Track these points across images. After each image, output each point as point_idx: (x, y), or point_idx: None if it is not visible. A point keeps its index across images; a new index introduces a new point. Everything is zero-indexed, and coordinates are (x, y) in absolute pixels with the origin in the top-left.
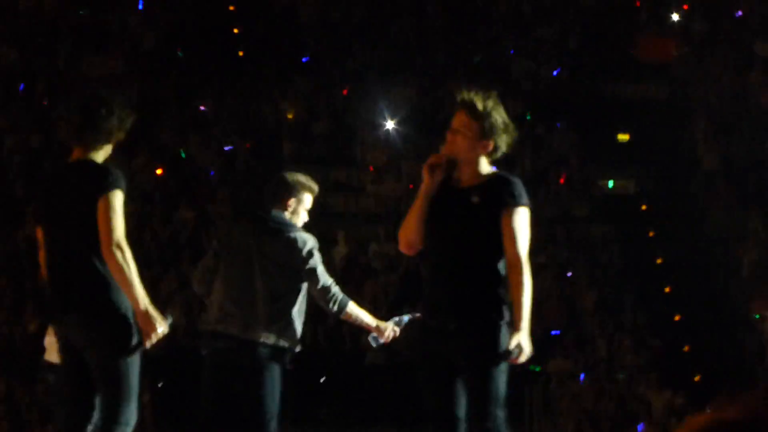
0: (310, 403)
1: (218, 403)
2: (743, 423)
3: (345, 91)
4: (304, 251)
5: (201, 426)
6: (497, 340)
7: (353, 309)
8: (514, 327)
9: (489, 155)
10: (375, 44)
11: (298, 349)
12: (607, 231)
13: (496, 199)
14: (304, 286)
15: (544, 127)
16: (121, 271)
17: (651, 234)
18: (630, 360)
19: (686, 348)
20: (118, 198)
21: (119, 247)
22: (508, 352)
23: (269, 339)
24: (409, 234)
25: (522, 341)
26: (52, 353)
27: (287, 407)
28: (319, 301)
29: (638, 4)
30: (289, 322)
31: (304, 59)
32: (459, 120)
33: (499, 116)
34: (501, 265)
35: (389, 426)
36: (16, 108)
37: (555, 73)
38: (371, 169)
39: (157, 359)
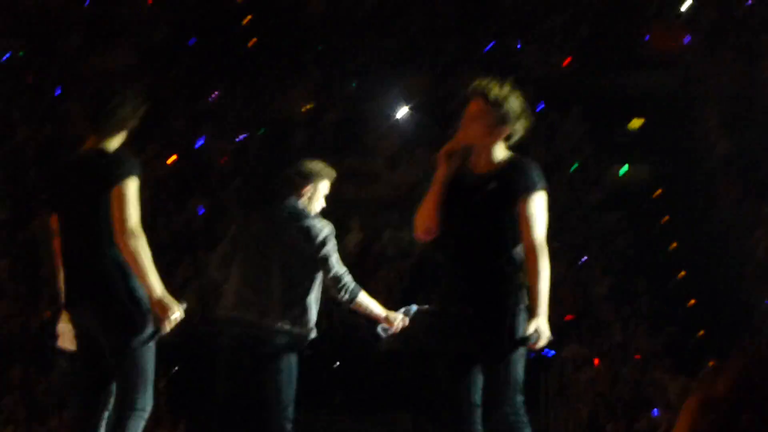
0: (324, 389)
1: (234, 390)
2: (731, 398)
3: (359, 80)
4: (319, 239)
5: (217, 413)
6: (515, 326)
7: (364, 299)
8: (532, 312)
9: (505, 141)
10: (386, 33)
11: (313, 335)
12: (620, 218)
13: (513, 184)
14: (320, 273)
15: (556, 116)
16: (135, 258)
17: (664, 220)
18: (645, 345)
19: (701, 333)
20: (132, 186)
21: (134, 234)
22: (526, 338)
23: (285, 325)
24: (425, 221)
25: (540, 326)
26: (65, 340)
27: (301, 393)
28: (330, 289)
29: None
30: (305, 308)
31: (315, 48)
32: (474, 107)
33: (515, 102)
34: (518, 250)
35: (404, 412)
36: (28, 99)
37: (566, 61)
38: (384, 156)
39: (172, 346)
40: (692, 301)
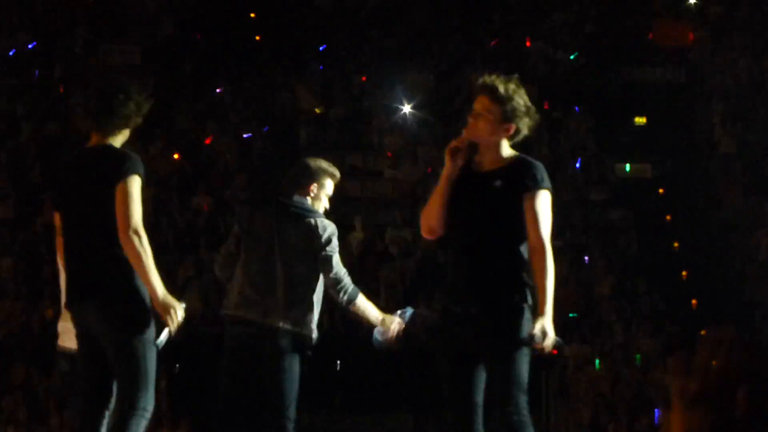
0: (325, 389)
1: (237, 389)
2: (707, 395)
3: (363, 78)
4: (323, 237)
5: (218, 412)
6: (520, 325)
7: (362, 302)
8: (537, 311)
9: (510, 139)
10: (391, 30)
11: (316, 335)
12: (624, 216)
13: (518, 182)
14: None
15: (561, 112)
16: (137, 256)
17: (668, 218)
18: (647, 345)
19: (703, 333)
20: (135, 183)
21: (136, 232)
22: (531, 337)
23: (288, 325)
24: (431, 219)
25: (546, 326)
26: (65, 339)
27: (302, 393)
28: (329, 289)
29: None
30: (309, 308)
31: (320, 46)
32: (481, 104)
33: (521, 99)
34: (523, 249)
35: (405, 412)
36: (33, 95)
37: (572, 57)
38: (388, 154)
39: (173, 345)
40: (694, 301)
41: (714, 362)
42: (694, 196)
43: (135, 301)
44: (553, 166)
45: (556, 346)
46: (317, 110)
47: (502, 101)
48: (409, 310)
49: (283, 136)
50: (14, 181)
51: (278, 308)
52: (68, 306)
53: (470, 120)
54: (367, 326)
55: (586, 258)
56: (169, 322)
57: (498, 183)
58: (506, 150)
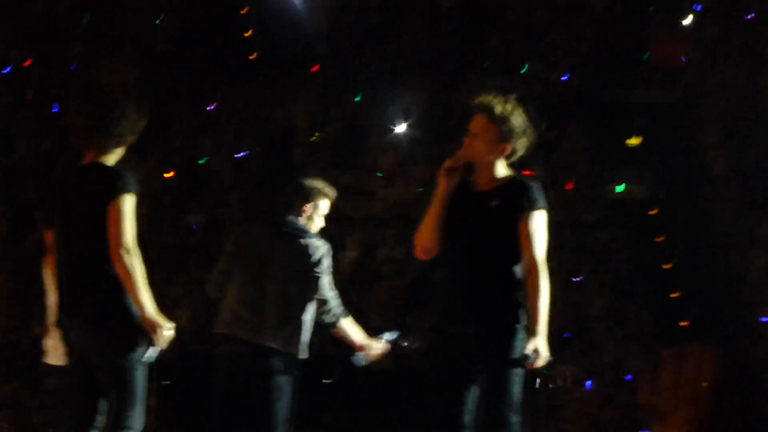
0: (314, 408)
1: (228, 408)
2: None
3: (358, 97)
4: (315, 257)
5: (211, 430)
6: (514, 345)
7: (346, 325)
8: (531, 331)
9: (506, 158)
10: (386, 48)
11: (305, 355)
12: (616, 236)
13: (514, 202)
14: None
15: (554, 131)
16: (128, 275)
17: (660, 239)
18: (637, 366)
19: (692, 350)
20: (129, 202)
21: (128, 251)
22: (525, 357)
23: (279, 344)
24: (425, 239)
25: (539, 346)
26: (52, 356)
27: (292, 412)
28: (316, 308)
29: (650, 8)
30: (300, 327)
31: (315, 63)
32: (477, 123)
33: (518, 119)
34: (518, 269)
35: None
36: (27, 112)
37: (565, 77)
38: (381, 173)
39: (163, 363)
40: (685, 323)
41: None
42: (687, 216)
43: (125, 319)
44: (545, 185)
45: (547, 366)
46: (314, 137)
47: (499, 121)
48: (392, 334)
49: (277, 154)
50: (7, 198)
51: (269, 327)
52: (58, 323)
53: (466, 139)
54: (351, 348)
55: (577, 278)
56: (157, 340)
57: (493, 203)
58: (502, 170)
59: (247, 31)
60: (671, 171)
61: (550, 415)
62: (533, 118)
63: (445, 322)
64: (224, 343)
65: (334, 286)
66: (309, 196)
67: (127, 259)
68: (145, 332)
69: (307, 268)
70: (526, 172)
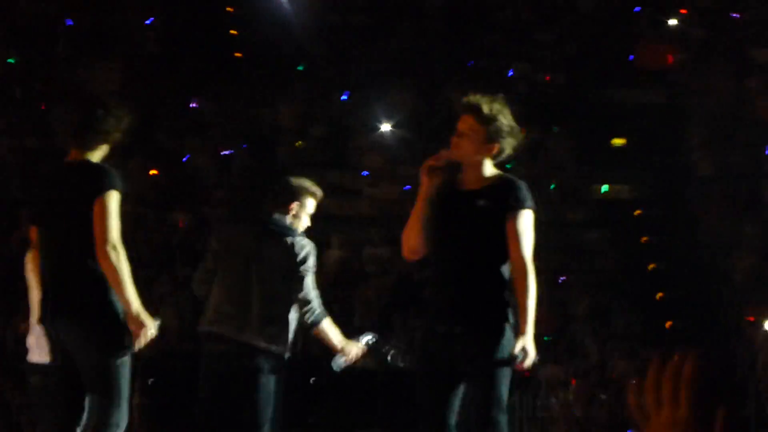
0: (299, 408)
1: (213, 406)
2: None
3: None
4: (300, 256)
5: (195, 428)
6: (502, 344)
7: (326, 326)
8: (518, 331)
9: (494, 158)
10: (373, 48)
11: (287, 355)
12: (601, 236)
13: (501, 202)
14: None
15: (540, 132)
16: (113, 272)
17: (644, 240)
18: (622, 367)
19: (677, 355)
20: (114, 199)
21: (114, 248)
22: (513, 357)
23: (263, 342)
24: (412, 239)
25: (527, 345)
26: (35, 354)
27: (276, 411)
28: (297, 307)
29: (637, 10)
30: (284, 326)
31: (301, 63)
32: (465, 123)
33: (505, 119)
34: (505, 269)
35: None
36: (13, 110)
37: (551, 77)
38: (367, 172)
39: (148, 361)
40: (669, 323)
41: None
42: (672, 217)
43: (109, 317)
44: (531, 185)
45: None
46: (298, 143)
47: (487, 121)
48: (370, 337)
49: (263, 153)
50: None
51: (253, 325)
52: (42, 321)
53: (454, 139)
54: (330, 350)
55: (562, 278)
56: (140, 338)
57: (481, 202)
58: (489, 169)
59: (233, 31)
60: (656, 172)
61: (534, 415)
62: (520, 118)
63: (433, 321)
64: (209, 341)
65: (316, 286)
66: (296, 194)
67: (113, 255)
68: (129, 330)
69: (293, 266)
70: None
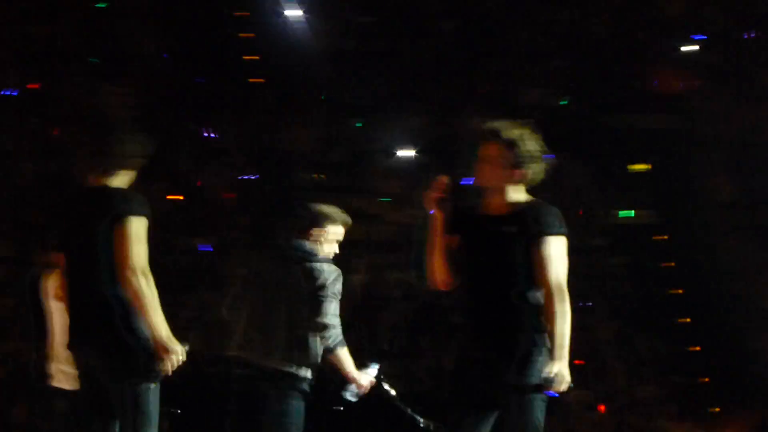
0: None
1: (240, 430)
2: None
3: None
4: (319, 281)
5: None
6: (535, 369)
7: (342, 355)
8: (551, 356)
9: (520, 183)
10: (388, 73)
11: (314, 378)
12: (623, 262)
13: (529, 227)
14: None
15: (559, 159)
16: (139, 297)
17: (669, 265)
18: (649, 391)
19: (705, 380)
20: (134, 224)
21: (139, 272)
22: (546, 381)
23: (289, 367)
24: (436, 272)
25: (560, 370)
26: (58, 380)
27: None
28: (315, 332)
29: (653, 35)
30: (310, 349)
31: (319, 88)
32: (487, 149)
33: (530, 144)
34: (536, 294)
35: None
36: (32, 134)
37: (567, 103)
38: (386, 197)
39: (175, 386)
40: (696, 348)
41: None
42: (693, 243)
43: (136, 342)
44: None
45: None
46: (315, 176)
47: (510, 146)
48: (376, 366)
49: (282, 178)
50: (13, 221)
51: (279, 350)
52: (69, 347)
53: (477, 165)
54: (342, 378)
55: (588, 303)
56: (168, 364)
57: (506, 228)
58: (516, 194)
59: (252, 56)
60: (677, 197)
61: None
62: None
63: (464, 347)
64: (236, 366)
65: (338, 313)
66: (317, 220)
67: (134, 281)
68: (157, 356)
69: (312, 290)
70: None
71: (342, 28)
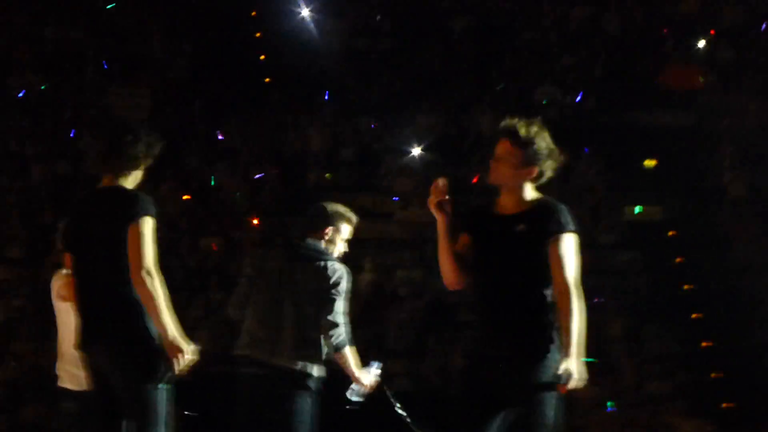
0: (334, 430)
1: (249, 429)
2: None
3: (374, 124)
4: (331, 280)
5: None
6: (547, 366)
7: (348, 354)
8: (563, 353)
9: (534, 181)
10: (400, 72)
11: (322, 374)
12: (634, 258)
13: (543, 225)
14: None
15: (570, 155)
16: (150, 297)
17: (678, 260)
18: (658, 387)
19: (713, 375)
20: (148, 224)
21: (149, 273)
22: (557, 378)
23: (297, 365)
24: (449, 274)
25: (571, 367)
26: (64, 380)
27: None
28: (323, 330)
29: (665, 31)
30: (318, 348)
31: (330, 88)
32: (502, 148)
33: (543, 142)
34: (549, 292)
35: None
36: (44, 136)
37: (579, 100)
38: (397, 196)
39: (184, 386)
40: (705, 344)
41: None
42: (705, 238)
43: (147, 342)
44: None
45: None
46: (327, 176)
47: (524, 145)
48: (378, 364)
49: (293, 177)
50: (24, 222)
51: (287, 348)
52: (80, 347)
53: (491, 164)
54: (346, 377)
55: (596, 299)
56: (177, 363)
57: (520, 227)
58: (529, 193)
59: (261, 56)
60: (688, 193)
61: None
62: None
63: (477, 345)
64: (244, 364)
65: (347, 312)
66: (330, 219)
67: (148, 281)
68: (166, 355)
69: (324, 289)
70: None
71: (354, 27)
